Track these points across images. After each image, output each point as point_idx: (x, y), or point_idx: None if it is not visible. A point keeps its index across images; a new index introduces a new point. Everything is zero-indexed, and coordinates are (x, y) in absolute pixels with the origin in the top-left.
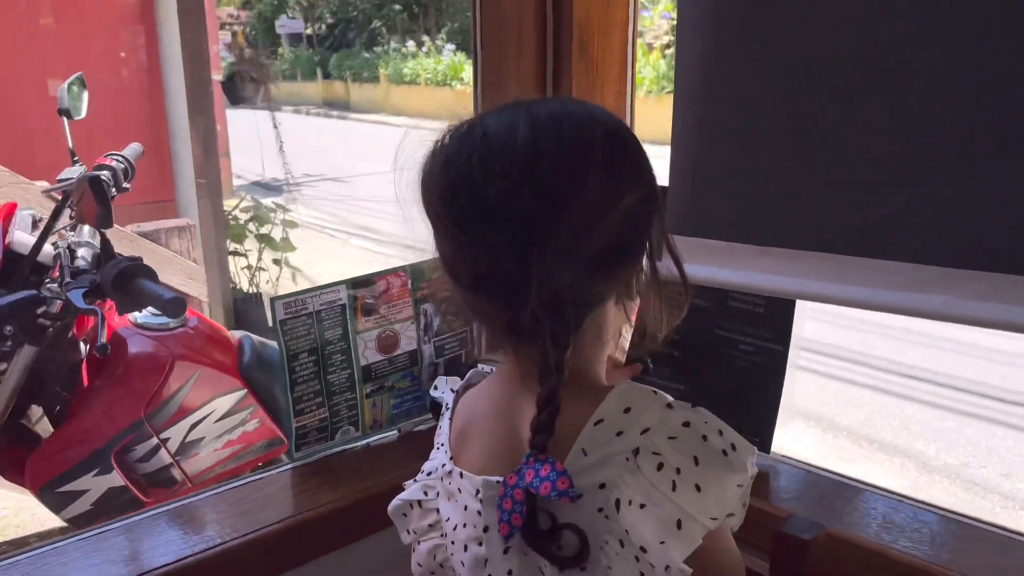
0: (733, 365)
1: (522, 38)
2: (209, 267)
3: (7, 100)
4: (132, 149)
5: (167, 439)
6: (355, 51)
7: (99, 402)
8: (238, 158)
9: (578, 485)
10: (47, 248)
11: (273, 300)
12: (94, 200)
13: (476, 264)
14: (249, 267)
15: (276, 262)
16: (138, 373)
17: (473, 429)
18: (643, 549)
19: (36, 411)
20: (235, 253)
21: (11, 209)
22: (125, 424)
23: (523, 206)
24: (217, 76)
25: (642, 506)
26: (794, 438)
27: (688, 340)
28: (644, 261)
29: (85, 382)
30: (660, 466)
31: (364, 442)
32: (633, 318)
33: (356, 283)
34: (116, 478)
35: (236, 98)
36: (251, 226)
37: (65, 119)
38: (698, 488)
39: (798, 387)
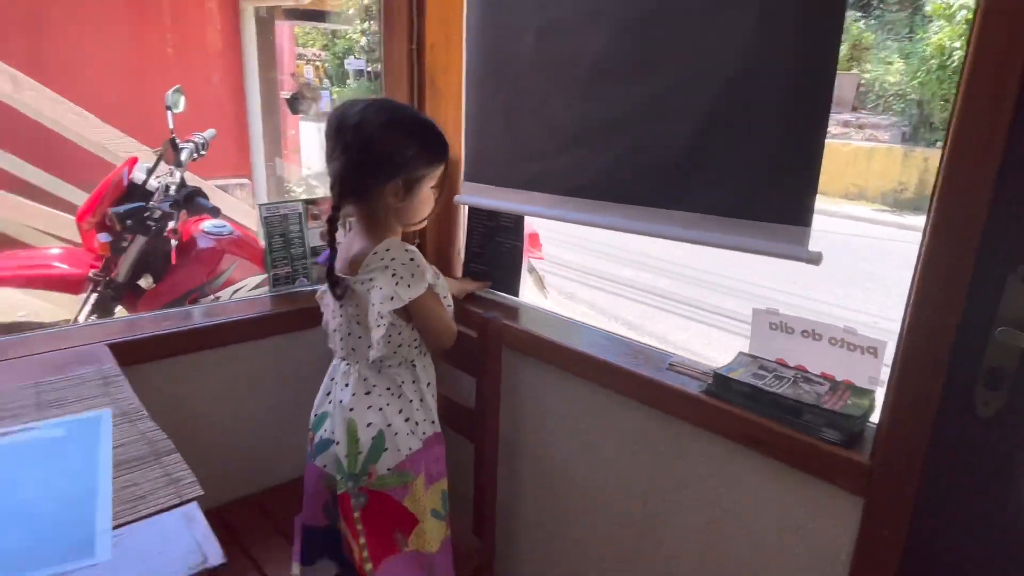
0: (500, 253)
1: (401, 76)
2: None
3: (149, 100)
4: (209, 132)
5: (219, 296)
6: None
7: (180, 272)
8: (306, 154)
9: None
10: (154, 182)
11: (260, 205)
12: (175, 154)
13: (327, 159)
14: None
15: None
16: (203, 258)
17: None
18: (373, 304)
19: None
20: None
21: (134, 161)
22: (194, 286)
23: (341, 138)
24: (285, 94)
25: (380, 288)
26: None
27: (486, 245)
28: (401, 181)
29: (173, 261)
30: (393, 273)
31: (311, 287)
32: (414, 211)
33: (308, 201)
34: None
35: (295, 111)
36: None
37: (169, 111)
38: (409, 286)
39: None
